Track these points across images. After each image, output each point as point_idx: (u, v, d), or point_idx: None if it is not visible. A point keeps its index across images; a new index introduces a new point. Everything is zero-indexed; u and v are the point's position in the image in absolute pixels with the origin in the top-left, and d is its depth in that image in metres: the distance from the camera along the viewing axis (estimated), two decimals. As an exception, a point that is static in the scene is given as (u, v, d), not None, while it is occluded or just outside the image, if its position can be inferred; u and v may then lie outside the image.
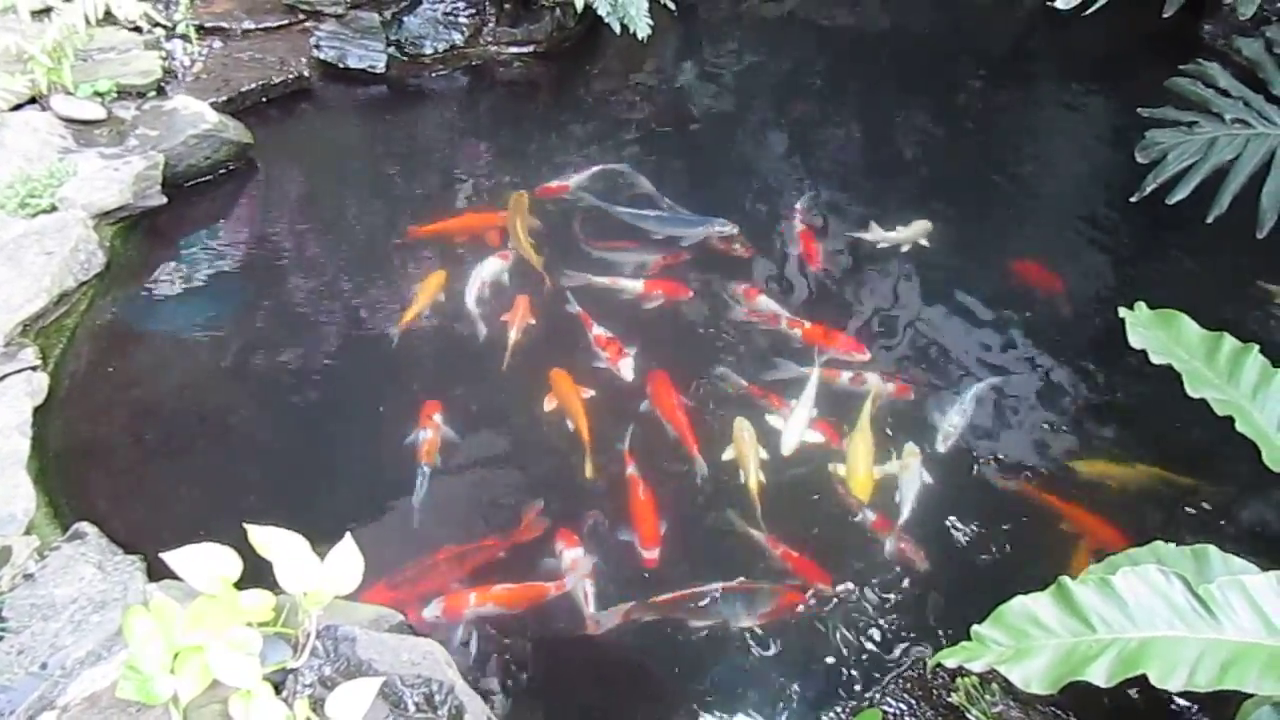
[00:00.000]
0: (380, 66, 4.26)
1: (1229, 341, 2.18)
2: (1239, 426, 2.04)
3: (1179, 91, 3.30)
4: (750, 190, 3.99)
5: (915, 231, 3.56)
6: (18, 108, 3.60)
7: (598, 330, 3.09)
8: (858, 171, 4.17)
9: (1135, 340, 2.23)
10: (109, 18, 3.80)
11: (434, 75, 4.41)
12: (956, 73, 4.88)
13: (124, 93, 3.76)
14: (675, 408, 2.83)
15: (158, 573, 2.16)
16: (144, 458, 2.75)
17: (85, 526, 2.35)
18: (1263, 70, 3.21)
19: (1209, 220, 3.08)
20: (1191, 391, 2.10)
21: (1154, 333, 2.28)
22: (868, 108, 4.73)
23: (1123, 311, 2.30)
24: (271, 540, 1.73)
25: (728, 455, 2.73)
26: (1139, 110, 3.37)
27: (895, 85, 4.90)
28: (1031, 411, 3.00)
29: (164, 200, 3.40)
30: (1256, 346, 2.12)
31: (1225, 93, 3.25)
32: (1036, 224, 3.82)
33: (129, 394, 2.91)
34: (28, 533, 2.33)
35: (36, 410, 2.68)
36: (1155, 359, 2.21)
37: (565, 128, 4.31)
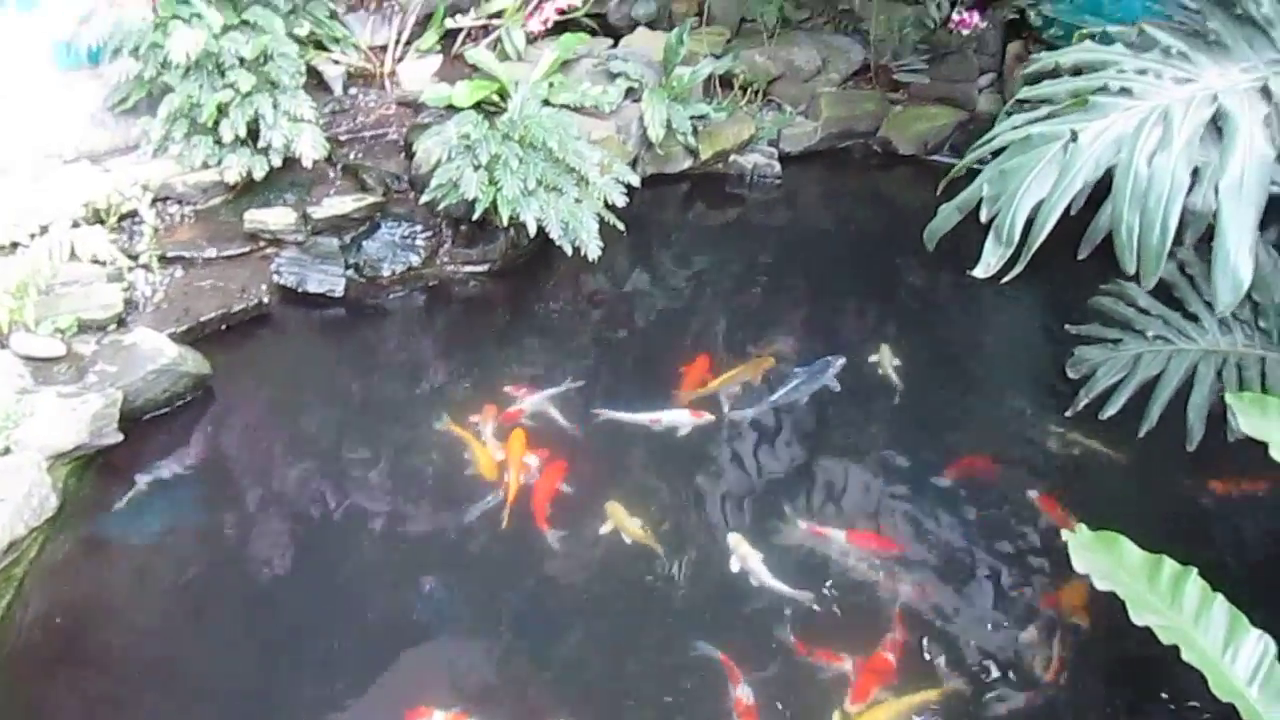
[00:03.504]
0: (339, 290, 4.39)
1: (1169, 565, 2.24)
2: (1185, 655, 2.07)
3: (1101, 310, 3.50)
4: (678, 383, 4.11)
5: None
6: (-24, 347, 3.65)
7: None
8: (799, 359, 4.29)
9: (1079, 564, 2.29)
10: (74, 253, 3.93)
11: (392, 296, 4.54)
12: (896, 270, 5.13)
13: (85, 327, 3.83)
14: None
15: None
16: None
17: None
18: (1177, 289, 3.42)
19: (1141, 435, 3.22)
20: (1136, 619, 2.14)
21: (1096, 556, 2.34)
22: (810, 303, 4.93)
23: (1065, 534, 2.36)
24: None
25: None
26: (1066, 327, 3.56)
27: (837, 281, 5.13)
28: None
29: (120, 437, 3.42)
30: (1195, 570, 2.18)
31: (1145, 311, 3.46)
32: (970, 432, 3.94)
33: (79, 645, 2.86)
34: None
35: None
36: (1099, 584, 2.26)
37: (521, 342, 4.44)
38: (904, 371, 4.21)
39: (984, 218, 2.25)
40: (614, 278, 4.92)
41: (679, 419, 3.84)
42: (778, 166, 6.06)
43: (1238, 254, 1.94)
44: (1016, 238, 2.15)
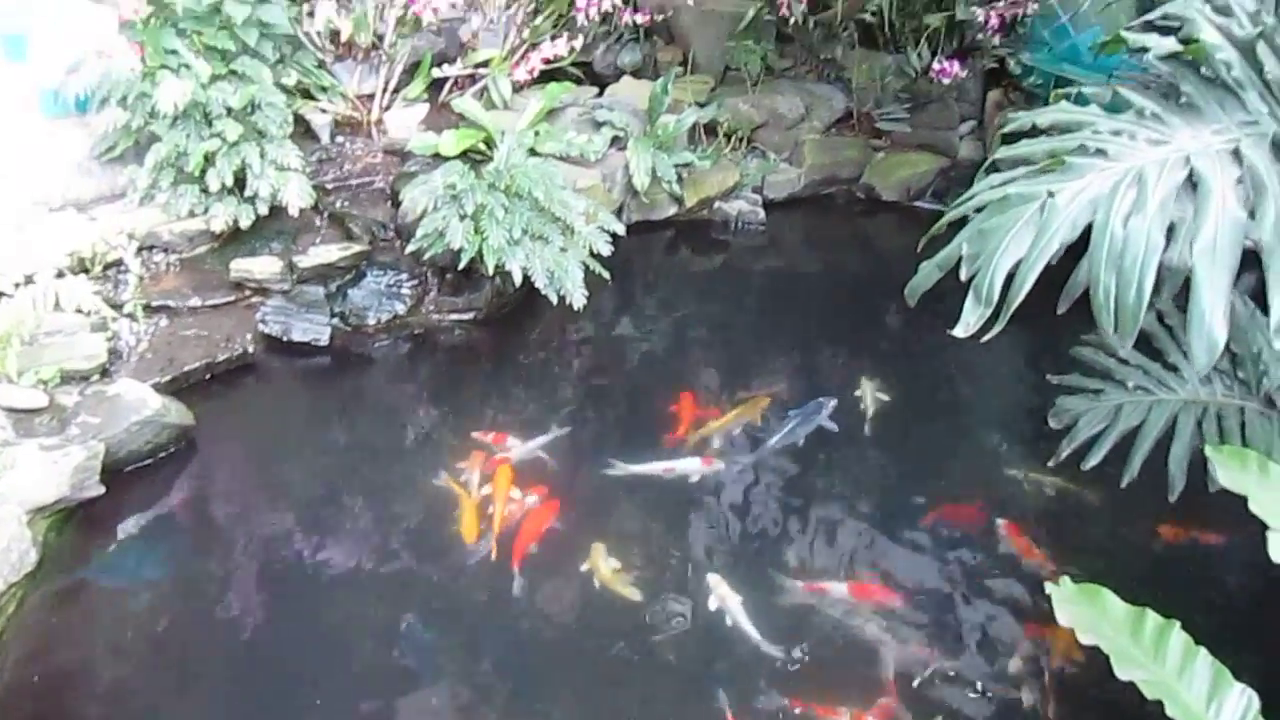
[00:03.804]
0: (324, 339, 4.39)
1: (1152, 618, 2.24)
2: (1169, 710, 2.07)
3: (1082, 360, 3.52)
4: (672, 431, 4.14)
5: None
6: (-43, 400, 3.63)
7: None
8: (784, 405, 4.32)
9: (1062, 617, 2.29)
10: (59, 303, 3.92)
11: (377, 344, 4.54)
12: (880, 315, 5.17)
13: (68, 378, 3.81)
14: None
15: None
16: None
17: None
18: (1156, 340, 3.45)
19: (1123, 485, 3.24)
20: (1120, 673, 2.14)
21: (1079, 609, 2.34)
22: (795, 348, 4.97)
23: (1049, 587, 2.36)
24: None
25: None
26: (1048, 377, 3.58)
27: (821, 327, 5.18)
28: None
29: (102, 490, 3.40)
30: (1178, 623, 2.18)
31: (1125, 362, 3.48)
32: (954, 479, 3.95)
33: (60, 702, 2.82)
34: None
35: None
36: (1082, 638, 2.26)
37: (508, 390, 4.44)
38: (888, 416, 4.26)
39: (963, 276, 2.27)
40: (600, 324, 4.94)
41: (690, 467, 3.87)
42: (762, 213, 6.12)
43: (1212, 316, 1.97)
44: (995, 297, 2.17)
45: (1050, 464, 3.43)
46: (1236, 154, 2.12)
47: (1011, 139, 2.57)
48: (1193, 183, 2.13)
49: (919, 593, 3.36)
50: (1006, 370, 4.71)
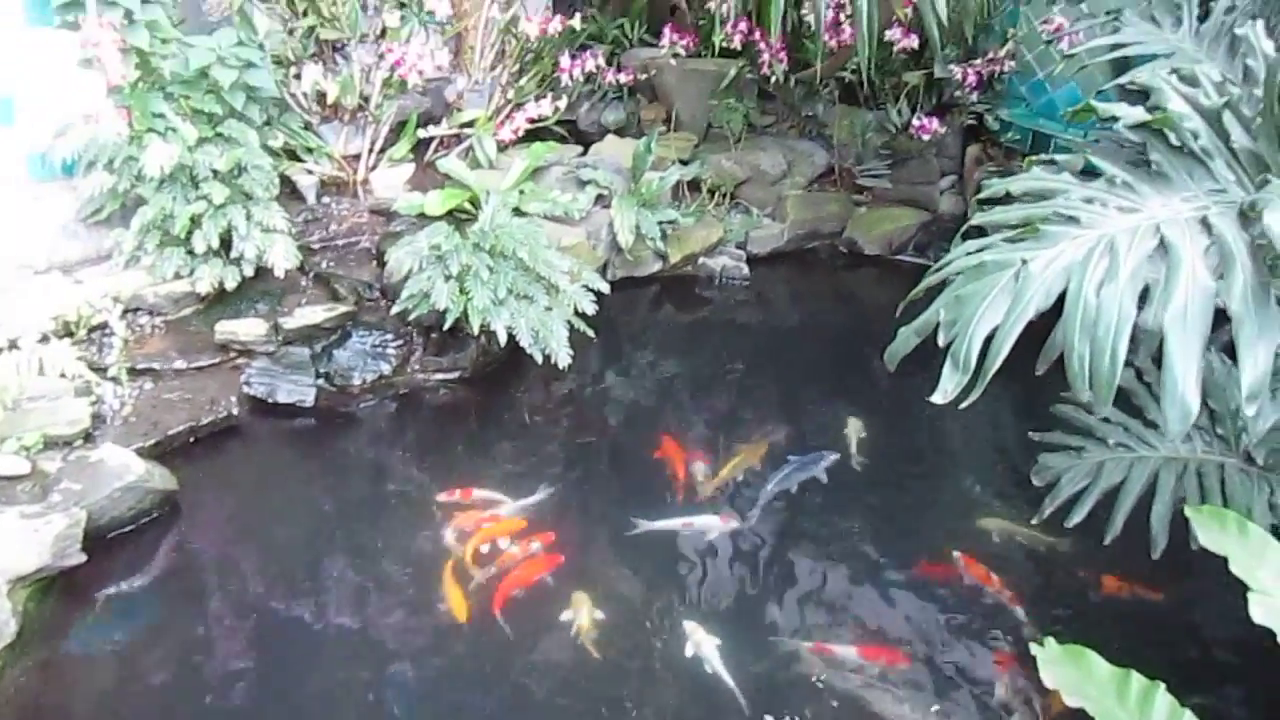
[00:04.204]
0: (309, 400, 4.39)
1: (1137, 680, 2.24)
2: (1156, 775, 2.08)
3: (1064, 417, 3.55)
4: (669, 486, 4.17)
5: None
6: (-61, 468, 3.62)
7: None
8: (778, 456, 4.36)
9: (1047, 678, 2.28)
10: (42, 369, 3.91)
11: (362, 405, 4.54)
12: (864, 366, 5.20)
13: (51, 443, 3.80)
14: None
15: None
16: None
17: None
18: (1136, 397, 3.48)
19: (1106, 543, 3.25)
20: (1107, 737, 2.14)
21: (1065, 670, 2.34)
22: (780, 399, 5.01)
23: (1034, 648, 2.37)
24: None
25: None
26: (1030, 434, 3.61)
27: (806, 377, 5.24)
28: None
29: (83, 558, 3.37)
30: (1162, 685, 2.18)
31: (1106, 419, 3.51)
32: (940, 536, 3.95)
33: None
34: None
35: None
36: (1067, 699, 2.26)
37: (492, 447, 4.44)
38: (873, 469, 4.31)
39: (941, 342, 2.30)
40: (587, 381, 4.96)
41: (709, 524, 3.89)
42: (746, 268, 6.18)
43: (1185, 383, 1.99)
44: (973, 364, 2.19)
45: (1034, 521, 3.45)
46: (1205, 223, 2.16)
47: (987, 204, 2.62)
48: (1164, 250, 2.16)
49: (911, 646, 3.36)
50: (992, 424, 4.73)
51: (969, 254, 2.43)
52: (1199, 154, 2.40)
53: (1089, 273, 2.15)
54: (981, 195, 2.73)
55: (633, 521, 3.85)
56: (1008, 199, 2.61)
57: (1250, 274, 2.01)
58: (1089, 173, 2.69)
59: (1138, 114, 2.51)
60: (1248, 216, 2.12)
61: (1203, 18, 3.91)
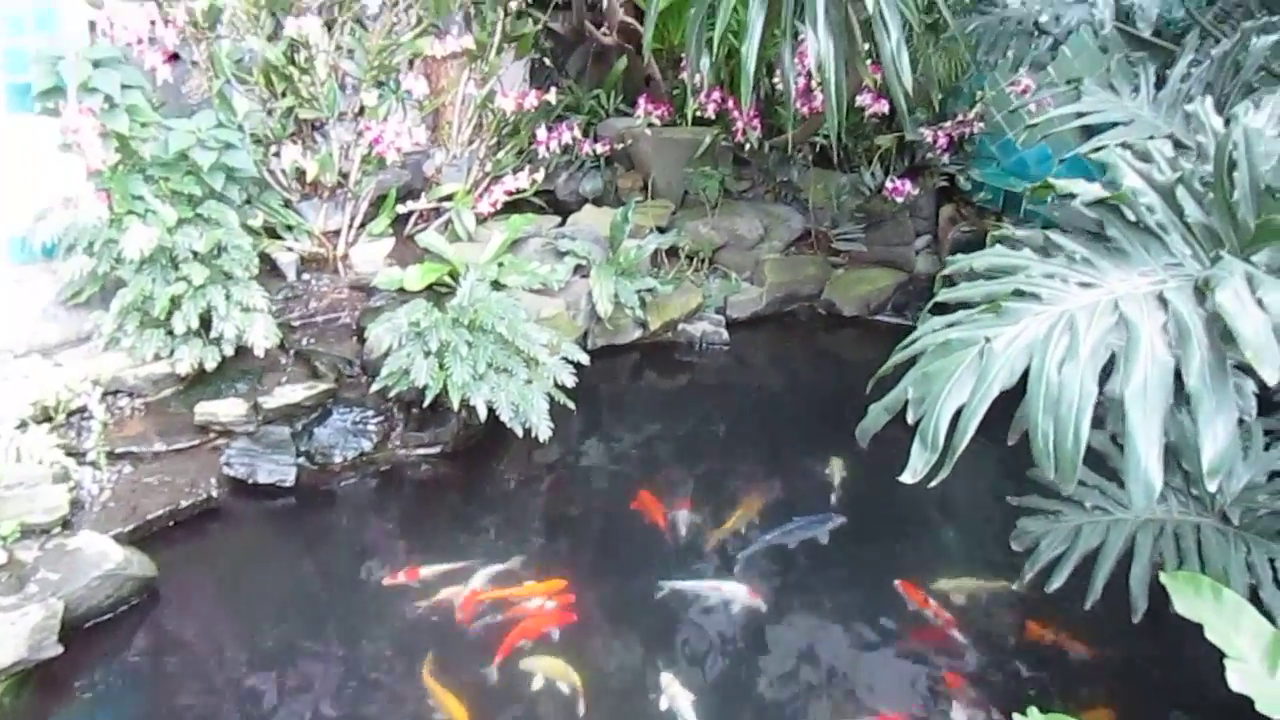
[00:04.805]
0: (290, 480, 4.38)
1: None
2: None
3: (1040, 481, 3.57)
4: (659, 551, 4.19)
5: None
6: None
7: None
8: (766, 519, 4.40)
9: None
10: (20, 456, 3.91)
11: (343, 483, 4.53)
12: (848, 426, 5.18)
13: (28, 532, 3.77)
14: None
15: None
16: None
17: None
18: (1111, 459, 3.50)
19: (1087, 607, 3.26)
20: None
21: (1048, 741, 2.36)
22: (767, 461, 5.05)
23: (1016, 718, 2.38)
24: None
25: None
26: (1008, 498, 3.62)
27: (790, 439, 5.26)
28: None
29: (60, 649, 3.33)
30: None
31: (1082, 482, 3.53)
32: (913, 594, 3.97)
33: None
34: None
35: None
36: (1054, 770, 2.26)
37: (474, 522, 4.43)
38: (856, 534, 4.33)
39: (910, 420, 2.32)
40: (568, 452, 4.97)
41: (736, 594, 3.90)
42: (725, 333, 6.23)
43: (1147, 459, 2.01)
44: (941, 443, 2.22)
45: (1014, 587, 3.46)
46: (1162, 299, 2.20)
47: (951, 283, 2.66)
48: (1124, 326, 2.20)
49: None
50: (973, 491, 4.73)
51: (935, 330, 2.46)
52: (1155, 229, 2.45)
53: (1050, 351, 2.18)
54: (946, 270, 2.78)
55: (660, 585, 3.91)
56: (972, 275, 2.65)
57: (1206, 350, 2.05)
58: (1050, 225, 2.76)
59: (1094, 190, 2.56)
60: (1202, 292, 2.17)
61: (1159, 84, 4.01)
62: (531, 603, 3.76)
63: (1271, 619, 2.85)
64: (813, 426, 5.38)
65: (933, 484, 2.22)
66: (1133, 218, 2.49)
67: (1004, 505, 3.63)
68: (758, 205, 7.03)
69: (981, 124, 6.79)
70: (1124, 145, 2.72)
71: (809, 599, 3.97)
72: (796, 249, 6.97)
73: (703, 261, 6.53)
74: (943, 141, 6.69)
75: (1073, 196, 2.60)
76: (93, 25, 5.09)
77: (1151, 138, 3.55)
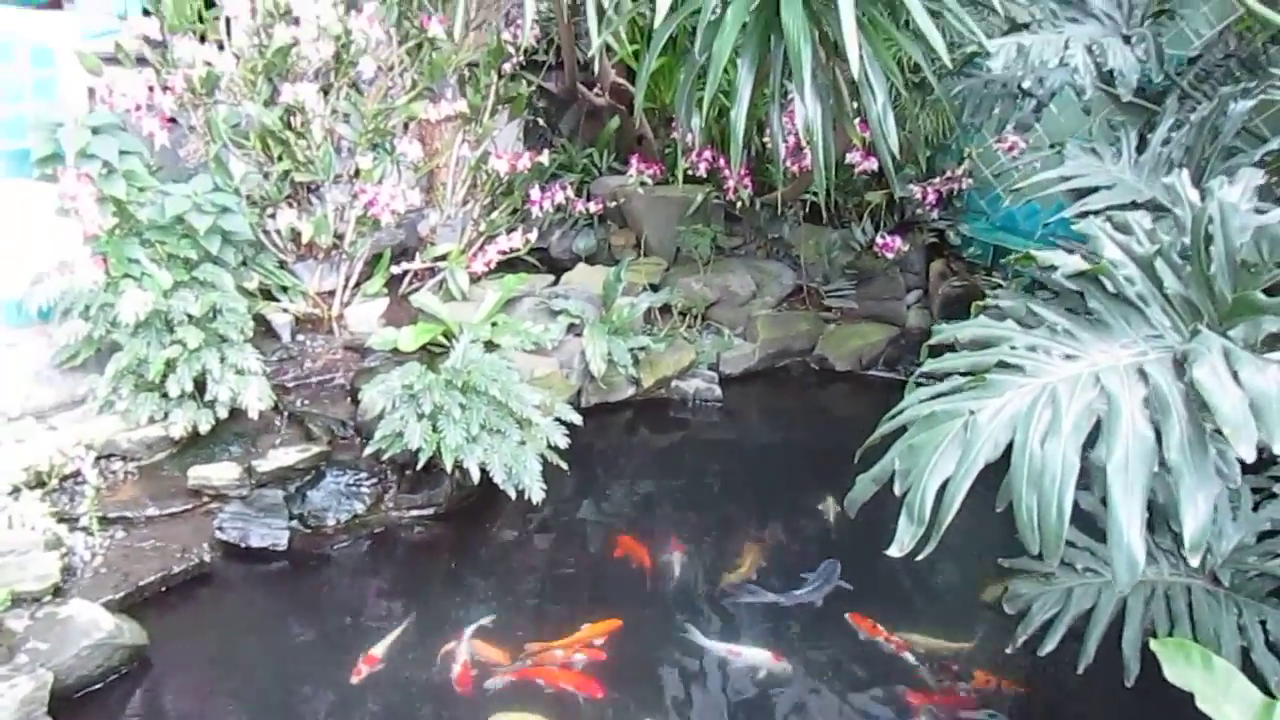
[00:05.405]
0: (282, 544, 4.37)
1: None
2: None
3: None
4: (648, 611, 4.17)
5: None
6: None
7: None
8: (762, 569, 4.45)
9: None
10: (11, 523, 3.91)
11: (336, 546, 4.52)
12: (841, 480, 5.19)
13: (18, 600, 3.76)
14: None
15: None
16: None
17: None
18: (1101, 520, 3.51)
19: (1080, 671, 3.25)
20: None
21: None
22: (761, 514, 5.03)
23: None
24: None
25: None
26: (1000, 561, 3.63)
27: (786, 491, 5.29)
28: None
29: (49, 721, 3.33)
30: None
31: (1073, 544, 3.54)
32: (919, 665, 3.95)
33: None
34: None
35: None
36: None
37: (468, 584, 4.41)
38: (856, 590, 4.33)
39: (897, 492, 2.35)
40: (562, 512, 4.96)
41: (759, 659, 3.87)
42: (718, 389, 6.26)
43: (1129, 534, 2.04)
44: (927, 516, 2.24)
45: (1008, 650, 3.45)
46: (1142, 372, 2.23)
47: (936, 353, 2.69)
48: (1105, 399, 2.23)
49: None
50: (967, 553, 4.74)
51: (921, 402, 2.50)
52: (1135, 300, 2.49)
53: (1033, 424, 2.21)
54: (931, 341, 2.82)
55: (685, 627, 4.01)
56: (955, 347, 2.69)
57: (1185, 424, 2.08)
58: (1036, 284, 2.80)
59: (1075, 263, 2.61)
60: (1182, 365, 2.20)
61: (1141, 147, 4.08)
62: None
63: (1264, 681, 2.86)
64: (807, 481, 5.39)
65: (920, 557, 2.24)
66: (1113, 289, 2.53)
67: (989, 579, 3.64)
68: (749, 262, 7.09)
69: (970, 180, 6.89)
70: (1105, 217, 2.77)
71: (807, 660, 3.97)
72: (788, 305, 7.03)
73: (695, 318, 6.58)
74: (931, 197, 6.77)
75: (1054, 269, 2.64)
76: (92, 92, 5.18)
77: (1134, 203, 3.61)
